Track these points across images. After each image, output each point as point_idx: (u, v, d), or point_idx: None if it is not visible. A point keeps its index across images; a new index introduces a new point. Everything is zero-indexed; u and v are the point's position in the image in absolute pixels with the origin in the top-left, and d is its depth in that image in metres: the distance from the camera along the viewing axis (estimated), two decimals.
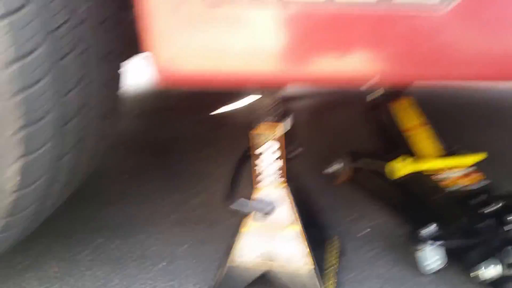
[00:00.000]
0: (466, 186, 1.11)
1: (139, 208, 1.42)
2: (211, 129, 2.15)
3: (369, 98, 1.36)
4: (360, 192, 1.40)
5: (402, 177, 1.17)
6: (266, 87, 0.89)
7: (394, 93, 1.33)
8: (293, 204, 0.93)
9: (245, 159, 0.98)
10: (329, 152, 1.54)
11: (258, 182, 0.92)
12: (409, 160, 1.17)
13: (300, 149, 1.01)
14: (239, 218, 0.96)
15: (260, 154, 0.89)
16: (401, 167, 1.16)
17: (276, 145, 0.88)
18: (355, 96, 1.35)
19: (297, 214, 0.93)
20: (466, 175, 1.14)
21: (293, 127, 0.97)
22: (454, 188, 1.09)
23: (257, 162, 0.90)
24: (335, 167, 1.47)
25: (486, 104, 2.38)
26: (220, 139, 1.99)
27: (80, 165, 1.05)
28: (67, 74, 0.85)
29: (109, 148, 1.25)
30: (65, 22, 0.82)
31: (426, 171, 1.14)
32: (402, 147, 1.27)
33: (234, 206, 0.91)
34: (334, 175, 1.47)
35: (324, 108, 2.29)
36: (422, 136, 1.26)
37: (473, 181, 1.12)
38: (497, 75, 0.67)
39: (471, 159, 1.14)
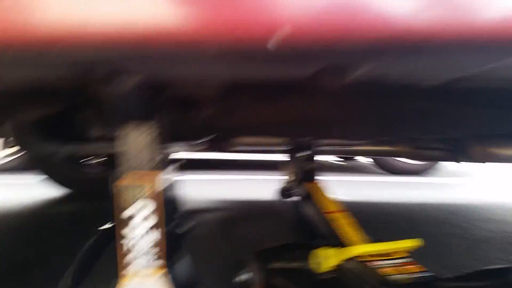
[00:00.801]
0: (408, 277, 0.86)
1: None
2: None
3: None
4: None
5: (330, 272, 0.89)
6: None
7: (307, 174, 1.14)
8: None
9: (104, 238, 0.65)
10: (238, 258, 1.22)
11: (125, 265, 0.58)
12: (335, 249, 0.91)
13: (193, 223, 0.71)
14: None
15: (129, 219, 0.58)
16: (332, 256, 0.89)
17: (151, 206, 0.58)
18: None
19: None
20: (404, 265, 0.90)
21: (179, 185, 0.69)
22: (395, 278, 0.84)
23: (124, 232, 0.58)
24: (243, 277, 1.13)
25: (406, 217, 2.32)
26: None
27: None
28: None
29: None
30: None
31: (360, 258, 0.88)
32: (322, 237, 1.02)
33: None
34: (244, 286, 1.12)
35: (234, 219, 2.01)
36: (344, 222, 1.03)
37: (414, 272, 0.89)
38: None
39: (408, 243, 0.92)
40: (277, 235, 1.16)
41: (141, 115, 0.56)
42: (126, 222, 0.57)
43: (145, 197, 0.57)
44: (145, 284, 0.58)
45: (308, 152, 1.18)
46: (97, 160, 2.87)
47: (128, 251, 0.58)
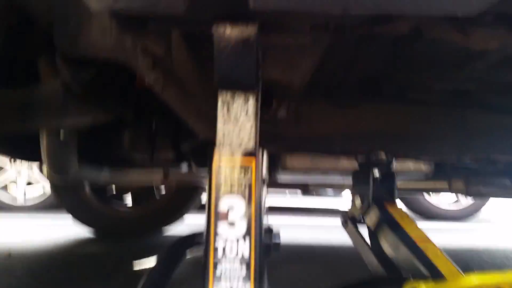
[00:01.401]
0: None
1: None
2: None
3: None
4: None
5: None
6: None
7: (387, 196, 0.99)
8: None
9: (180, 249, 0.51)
10: None
11: (212, 279, 0.44)
12: (437, 283, 0.75)
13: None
14: None
15: (223, 214, 0.44)
16: None
17: (249, 199, 0.45)
18: None
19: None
20: None
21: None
22: None
23: (214, 231, 0.44)
24: None
25: None
26: None
27: None
28: None
29: None
30: None
31: None
32: (412, 270, 0.86)
33: None
34: None
35: None
36: (434, 252, 0.87)
37: None
38: None
39: None
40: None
41: (249, 81, 0.45)
42: (219, 217, 0.44)
43: (247, 184, 0.44)
44: None
45: (387, 169, 1.04)
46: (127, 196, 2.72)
47: (217, 260, 0.44)
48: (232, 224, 0.45)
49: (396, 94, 1.00)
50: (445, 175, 2.07)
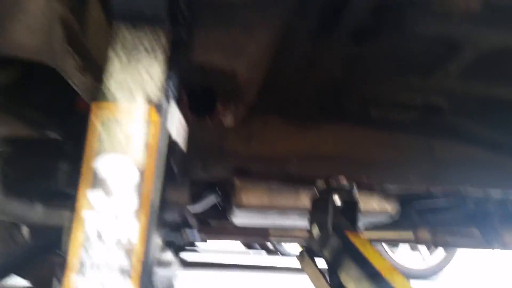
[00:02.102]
0: None
1: None
2: None
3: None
4: None
5: None
6: None
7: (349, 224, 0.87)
8: None
9: None
10: None
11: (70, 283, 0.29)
12: None
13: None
14: None
15: (99, 185, 0.31)
16: None
17: (143, 166, 0.32)
18: None
19: None
20: None
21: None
22: None
23: (84, 211, 0.30)
24: None
25: None
26: None
27: None
28: None
29: None
30: None
31: None
32: None
33: None
34: None
35: None
36: (404, 284, 0.74)
37: None
38: None
39: None
40: None
41: (157, 11, 0.34)
42: (94, 181, 0.31)
43: (143, 144, 0.32)
44: None
45: (349, 196, 0.92)
46: None
47: (86, 243, 0.30)
48: (112, 194, 0.31)
49: (359, 111, 0.92)
50: (411, 222, 1.97)
